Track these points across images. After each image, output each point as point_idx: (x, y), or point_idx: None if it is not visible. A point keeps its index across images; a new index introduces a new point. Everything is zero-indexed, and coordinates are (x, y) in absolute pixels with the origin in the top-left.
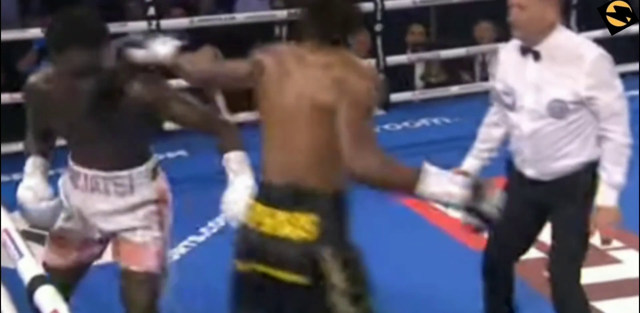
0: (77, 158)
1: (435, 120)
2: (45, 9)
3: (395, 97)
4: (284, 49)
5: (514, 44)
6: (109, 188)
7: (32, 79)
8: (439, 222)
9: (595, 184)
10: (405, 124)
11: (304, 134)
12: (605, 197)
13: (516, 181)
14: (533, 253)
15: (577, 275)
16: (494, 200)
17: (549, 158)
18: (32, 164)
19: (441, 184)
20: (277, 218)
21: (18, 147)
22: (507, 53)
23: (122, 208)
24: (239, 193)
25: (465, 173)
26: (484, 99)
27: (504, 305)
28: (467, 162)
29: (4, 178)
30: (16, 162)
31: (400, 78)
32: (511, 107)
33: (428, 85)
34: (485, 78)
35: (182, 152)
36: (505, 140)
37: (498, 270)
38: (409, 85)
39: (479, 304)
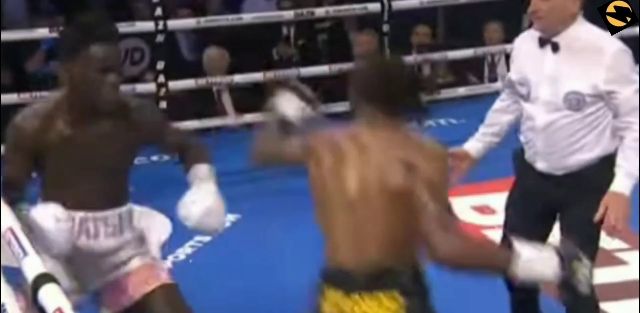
0: (69, 200)
1: (442, 121)
2: (54, 9)
3: None
4: (338, 131)
5: (532, 35)
6: (99, 229)
7: (22, 119)
8: None
9: (609, 180)
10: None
11: (378, 219)
12: (620, 184)
13: (525, 175)
14: None
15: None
16: (586, 271)
17: (563, 151)
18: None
19: (535, 269)
20: (360, 304)
21: None
22: (524, 43)
23: (119, 244)
24: (200, 196)
25: (466, 155)
26: (491, 101)
27: (529, 306)
28: (470, 143)
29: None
30: None
31: None
32: (526, 98)
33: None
34: (493, 79)
35: None
36: (511, 130)
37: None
38: None
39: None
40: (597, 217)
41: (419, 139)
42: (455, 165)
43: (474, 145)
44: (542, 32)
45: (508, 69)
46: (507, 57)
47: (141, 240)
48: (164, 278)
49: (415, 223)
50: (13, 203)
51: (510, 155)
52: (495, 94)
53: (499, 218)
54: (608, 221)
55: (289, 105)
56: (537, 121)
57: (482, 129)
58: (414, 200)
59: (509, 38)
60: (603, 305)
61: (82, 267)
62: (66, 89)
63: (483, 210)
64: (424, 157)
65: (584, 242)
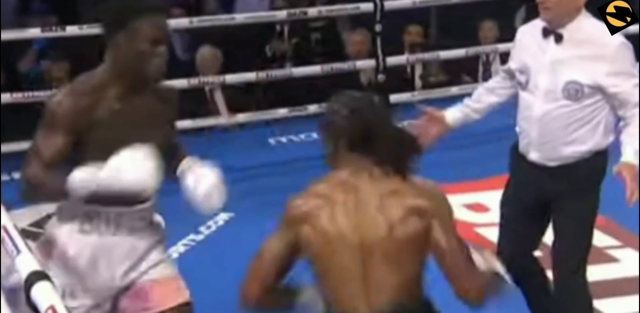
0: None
1: None
2: (45, 8)
3: (395, 97)
4: (325, 184)
5: (535, 25)
6: (134, 224)
7: (65, 97)
8: None
9: (600, 176)
10: (405, 123)
11: (391, 267)
12: (628, 155)
13: (518, 167)
14: None
15: (583, 271)
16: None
17: (556, 142)
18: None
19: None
20: None
21: (18, 146)
22: (526, 33)
23: (152, 243)
24: (201, 175)
25: (442, 119)
26: None
27: (542, 296)
28: (450, 110)
29: (4, 177)
30: (16, 161)
31: (399, 78)
32: (524, 86)
33: (427, 86)
34: (488, 78)
35: None
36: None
37: (516, 264)
38: (408, 86)
39: None
40: (630, 189)
41: (412, 181)
42: (428, 126)
43: (452, 113)
44: (548, 22)
45: None
46: (502, 56)
47: (163, 240)
48: (187, 294)
49: (425, 263)
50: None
51: (501, 153)
52: None
53: (492, 216)
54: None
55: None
56: (534, 110)
57: (466, 101)
58: (428, 242)
59: (503, 37)
60: (595, 302)
61: (103, 271)
62: (112, 63)
63: (476, 207)
64: (428, 197)
65: (577, 238)
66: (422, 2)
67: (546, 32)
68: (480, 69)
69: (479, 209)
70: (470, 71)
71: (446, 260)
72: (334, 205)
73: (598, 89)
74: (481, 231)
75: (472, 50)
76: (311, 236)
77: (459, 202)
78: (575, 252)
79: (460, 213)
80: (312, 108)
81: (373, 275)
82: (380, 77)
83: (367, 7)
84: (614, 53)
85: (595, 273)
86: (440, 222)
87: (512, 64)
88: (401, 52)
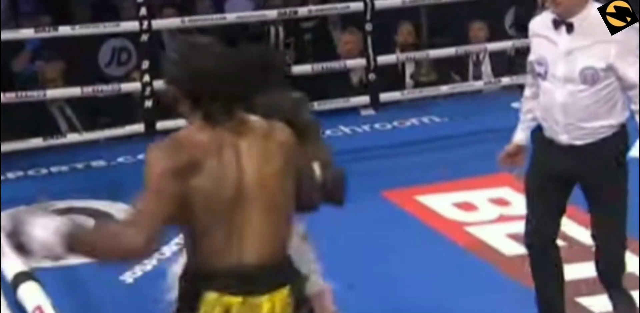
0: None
1: (425, 119)
2: (39, 9)
3: (386, 96)
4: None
5: (544, 17)
6: None
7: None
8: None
9: (624, 149)
10: (395, 123)
11: (278, 211)
12: None
13: (546, 151)
14: (517, 248)
15: (624, 242)
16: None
17: (580, 122)
18: None
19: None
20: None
21: (15, 145)
22: (539, 26)
23: None
24: None
25: (520, 148)
26: (473, 99)
27: (551, 283)
28: (517, 135)
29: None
30: (12, 161)
31: (390, 77)
32: (543, 76)
33: (418, 84)
34: (478, 77)
35: None
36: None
37: (539, 239)
38: (399, 85)
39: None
40: None
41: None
42: (514, 160)
43: (520, 136)
44: (559, 15)
45: (492, 67)
46: (491, 55)
47: None
48: None
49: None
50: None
51: (488, 153)
52: (477, 93)
53: (480, 214)
54: None
55: None
56: (556, 96)
57: (522, 117)
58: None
59: (492, 37)
60: (582, 300)
61: None
62: None
63: (465, 206)
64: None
65: (614, 217)
66: (412, 1)
67: (557, 23)
68: (470, 68)
69: (467, 208)
70: (460, 70)
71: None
72: (212, 157)
73: (610, 71)
74: (471, 229)
75: (462, 50)
76: (196, 189)
77: (448, 201)
78: (617, 229)
79: (450, 212)
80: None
81: (256, 226)
82: (371, 76)
83: (358, 6)
84: (621, 35)
85: (585, 270)
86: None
87: (531, 56)
88: (392, 51)
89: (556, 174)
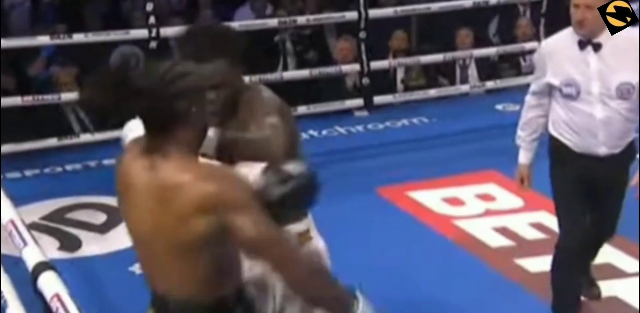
0: None
1: (415, 120)
2: (55, 17)
3: (378, 99)
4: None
5: (566, 38)
6: None
7: None
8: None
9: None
10: (387, 123)
11: (176, 260)
12: None
13: (576, 163)
14: (502, 241)
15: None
16: None
17: (621, 132)
18: None
19: None
20: None
21: (31, 145)
22: (559, 48)
23: None
24: None
25: (527, 169)
26: (460, 101)
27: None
28: (523, 156)
29: (15, 174)
30: (29, 159)
31: (382, 82)
32: (574, 97)
33: (408, 89)
34: (464, 80)
35: None
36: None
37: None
38: (391, 88)
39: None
40: None
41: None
42: (527, 181)
43: (526, 156)
44: (585, 36)
45: (478, 71)
46: (477, 61)
47: None
48: None
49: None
50: None
51: (476, 152)
52: (464, 95)
53: (468, 209)
54: None
55: None
56: (595, 114)
57: (527, 137)
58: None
59: (477, 43)
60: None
61: None
62: None
63: (453, 201)
64: (215, 186)
65: (618, 213)
66: (404, 11)
67: (582, 44)
68: (458, 72)
69: (456, 203)
70: (447, 74)
71: (262, 253)
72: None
73: None
74: (459, 223)
75: (449, 55)
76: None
77: (438, 197)
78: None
79: (440, 207)
80: (301, 109)
81: (157, 264)
82: (365, 80)
83: (352, 15)
84: None
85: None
86: (236, 213)
87: (553, 79)
88: (385, 57)
89: (589, 179)
